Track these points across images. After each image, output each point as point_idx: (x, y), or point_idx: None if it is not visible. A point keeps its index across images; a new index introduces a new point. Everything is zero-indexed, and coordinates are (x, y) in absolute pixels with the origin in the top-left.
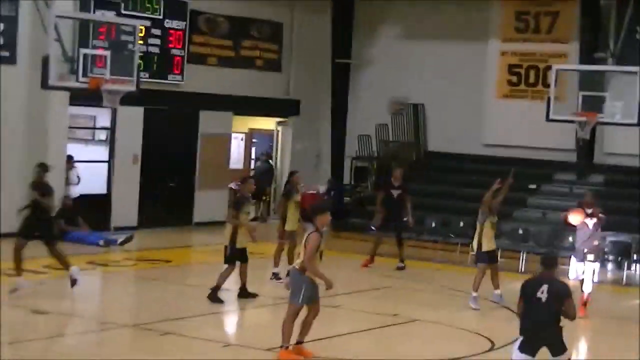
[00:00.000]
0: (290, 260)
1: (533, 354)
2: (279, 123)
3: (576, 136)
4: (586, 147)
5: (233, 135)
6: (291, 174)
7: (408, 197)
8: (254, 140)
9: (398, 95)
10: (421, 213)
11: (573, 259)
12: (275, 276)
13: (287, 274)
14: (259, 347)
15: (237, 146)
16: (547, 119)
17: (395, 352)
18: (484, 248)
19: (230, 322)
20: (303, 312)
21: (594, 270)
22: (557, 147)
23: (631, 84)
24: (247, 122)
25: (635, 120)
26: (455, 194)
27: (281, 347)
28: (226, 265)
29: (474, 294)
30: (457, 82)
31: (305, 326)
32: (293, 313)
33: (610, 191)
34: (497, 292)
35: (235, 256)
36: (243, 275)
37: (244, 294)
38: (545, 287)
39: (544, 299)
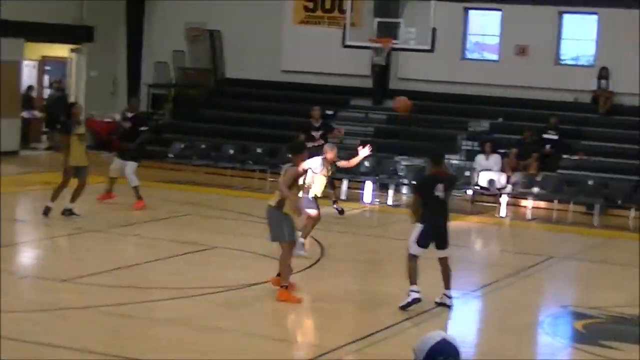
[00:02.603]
0: (74, 197)
1: (427, 247)
2: (72, 50)
3: (372, 62)
4: (381, 72)
5: (24, 62)
6: (70, 106)
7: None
8: (46, 67)
9: (194, 21)
10: (219, 140)
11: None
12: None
13: (64, 212)
14: (54, 278)
15: (29, 74)
16: (343, 45)
17: (195, 279)
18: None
19: (27, 253)
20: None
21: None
22: (353, 73)
23: (425, 11)
24: (40, 49)
25: (428, 46)
26: (254, 120)
27: (281, 286)
28: None
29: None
30: (253, 8)
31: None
32: (288, 250)
33: (405, 117)
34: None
35: None
36: None
37: None
38: (440, 186)
39: (441, 196)
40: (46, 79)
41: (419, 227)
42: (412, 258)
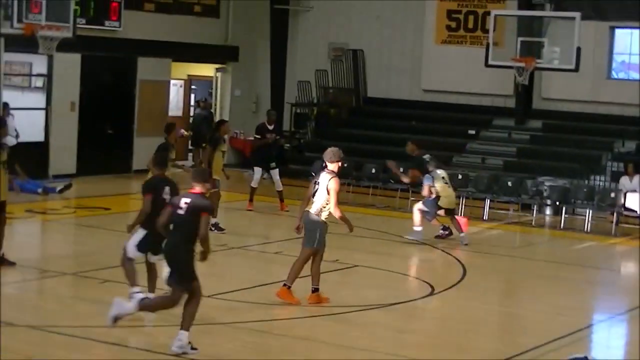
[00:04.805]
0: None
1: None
2: (217, 69)
3: (515, 82)
4: (524, 92)
5: (172, 82)
6: (220, 122)
7: None
8: (192, 87)
9: (337, 41)
10: (361, 159)
11: None
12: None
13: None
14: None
15: (175, 93)
16: (486, 65)
17: (337, 298)
18: None
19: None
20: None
21: None
22: (496, 93)
23: (569, 30)
24: (186, 69)
25: (572, 66)
26: (395, 139)
27: (284, 285)
28: None
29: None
30: (396, 27)
31: (317, 271)
32: (306, 256)
33: (548, 136)
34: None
35: None
36: None
37: None
38: (167, 189)
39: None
40: (192, 97)
41: (142, 231)
42: (129, 261)
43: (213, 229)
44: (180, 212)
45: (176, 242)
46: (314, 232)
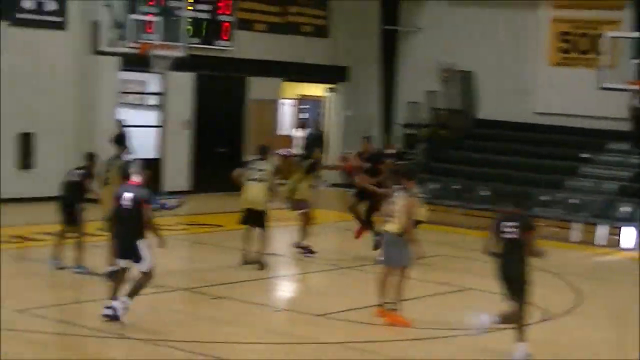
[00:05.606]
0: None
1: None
2: (328, 89)
3: (630, 105)
4: None
5: (282, 101)
6: (315, 163)
7: None
8: (302, 106)
9: (447, 62)
10: (471, 182)
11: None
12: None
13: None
14: (311, 313)
15: (286, 112)
16: (600, 87)
17: (445, 320)
18: None
19: (282, 287)
20: None
21: None
22: (611, 116)
23: None
24: (296, 88)
25: None
26: (506, 162)
27: (379, 305)
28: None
29: None
30: (507, 49)
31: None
32: (385, 275)
33: None
34: None
35: None
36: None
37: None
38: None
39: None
40: (302, 117)
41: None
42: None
43: (304, 251)
44: (509, 235)
45: (512, 260)
46: (388, 250)
